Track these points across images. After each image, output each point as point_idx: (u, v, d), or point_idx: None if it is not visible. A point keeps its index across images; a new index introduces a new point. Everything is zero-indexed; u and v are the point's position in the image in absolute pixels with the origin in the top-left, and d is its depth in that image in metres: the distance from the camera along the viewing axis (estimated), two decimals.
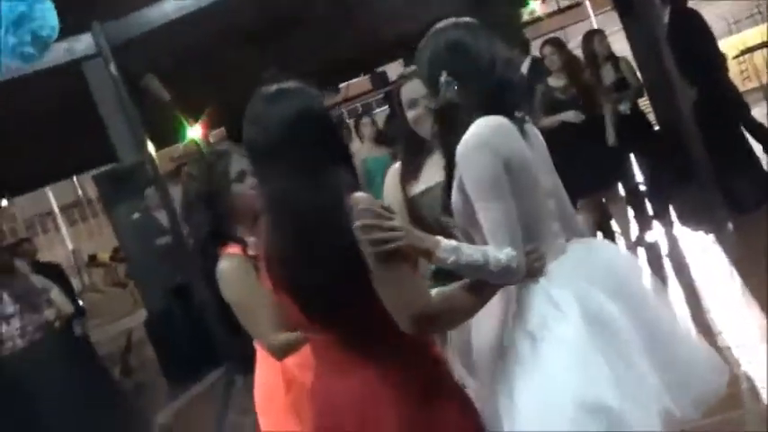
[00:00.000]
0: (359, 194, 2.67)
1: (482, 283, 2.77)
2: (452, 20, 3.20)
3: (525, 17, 12.01)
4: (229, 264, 3.53)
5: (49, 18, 4.77)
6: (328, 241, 2.61)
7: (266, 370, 3.82)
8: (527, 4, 11.44)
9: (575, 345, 2.80)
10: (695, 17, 9.62)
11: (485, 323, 3.12)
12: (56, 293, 8.59)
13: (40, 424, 7.92)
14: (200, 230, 3.73)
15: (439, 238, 2.80)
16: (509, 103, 2.99)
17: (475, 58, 2.99)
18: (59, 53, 9.00)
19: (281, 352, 3.39)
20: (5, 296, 8.16)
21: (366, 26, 12.16)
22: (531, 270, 2.92)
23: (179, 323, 10.84)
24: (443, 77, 2.96)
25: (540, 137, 3.25)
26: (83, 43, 9.27)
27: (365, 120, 10.51)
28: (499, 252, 2.72)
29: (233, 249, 3.56)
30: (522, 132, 3.01)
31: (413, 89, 3.91)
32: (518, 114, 3.02)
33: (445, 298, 2.75)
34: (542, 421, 2.77)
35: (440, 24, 3.15)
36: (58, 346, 8.36)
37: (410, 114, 3.93)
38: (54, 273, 10.94)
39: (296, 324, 3.01)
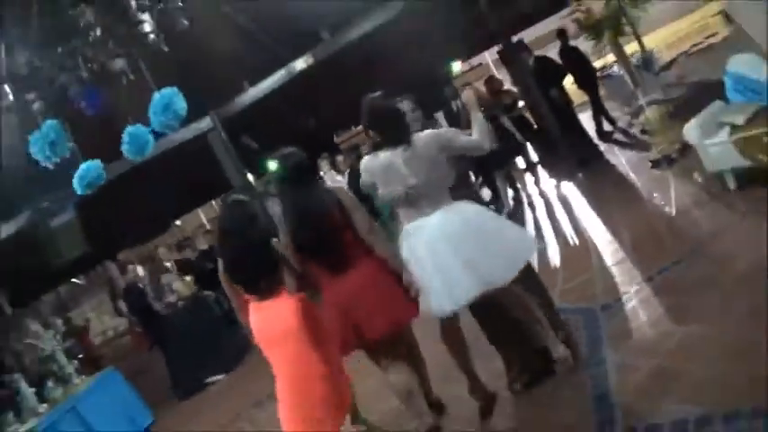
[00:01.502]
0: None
1: None
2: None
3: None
4: None
5: (181, 104, 7.04)
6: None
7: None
8: (451, 65, 15.59)
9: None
10: (547, 60, 14.68)
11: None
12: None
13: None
14: None
15: None
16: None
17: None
18: (192, 131, 14.38)
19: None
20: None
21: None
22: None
23: None
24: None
25: (420, 145, 5.52)
26: (205, 122, 14.69)
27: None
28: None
29: None
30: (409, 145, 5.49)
31: None
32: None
33: None
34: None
35: None
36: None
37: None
38: None
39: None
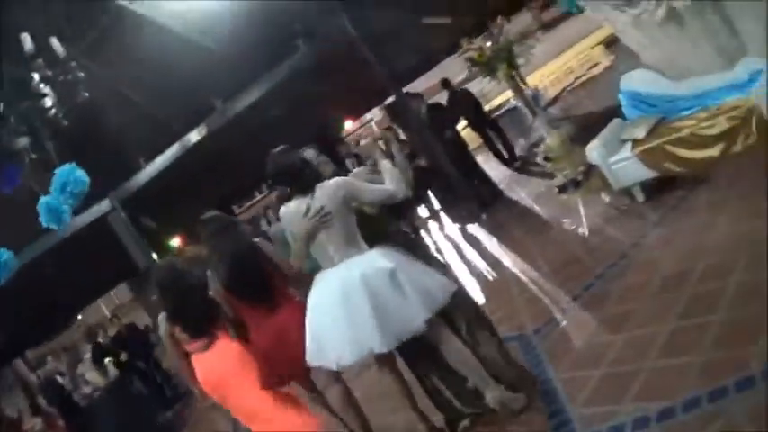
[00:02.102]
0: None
1: None
2: None
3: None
4: None
5: (81, 180, 6.84)
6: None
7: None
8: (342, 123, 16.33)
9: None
10: (439, 106, 15.09)
11: None
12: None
13: None
14: None
15: None
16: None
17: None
18: (92, 214, 14.09)
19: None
20: None
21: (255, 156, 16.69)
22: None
23: None
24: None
25: (323, 194, 5.52)
26: (105, 204, 14.34)
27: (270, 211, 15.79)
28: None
29: None
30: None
31: None
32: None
33: None
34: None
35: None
36: None
37: None
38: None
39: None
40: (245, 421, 6.55)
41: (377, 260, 5.46)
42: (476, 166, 14.56)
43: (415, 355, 5.87)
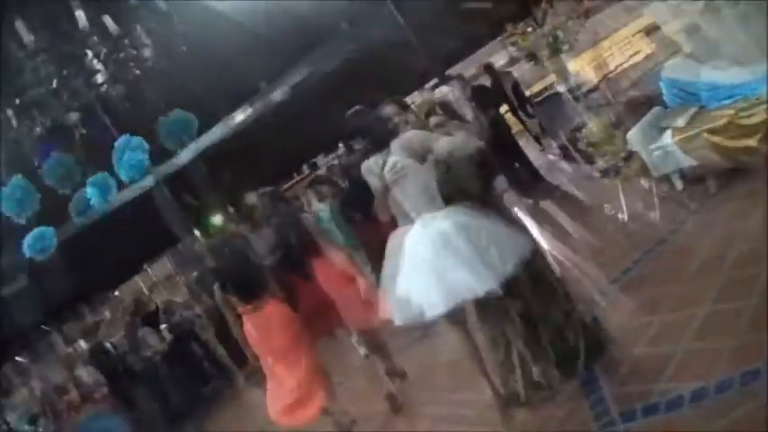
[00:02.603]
0: None
1: None
2: None
3: None
4: None
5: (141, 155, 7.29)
6: None
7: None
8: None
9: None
10: (484, 87, 14.99)
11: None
12: None
13: None
14: None
15: None
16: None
17: None
18: (135, 190, 14.18)
19: None
20: None
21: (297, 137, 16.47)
22: None
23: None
24: None
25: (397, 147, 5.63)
26: (149, 180, 14.59)
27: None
28: None
29: None
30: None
31: None
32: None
33: None
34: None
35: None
36: None
37: None
38: None
39: None
40: (276, 359, 7.49)
41: (456, 215, 5.53)
42: (518, 149, 14.58)
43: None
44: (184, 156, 14.91)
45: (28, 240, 7.04)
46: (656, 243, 7.44)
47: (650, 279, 6.75)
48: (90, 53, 7.01)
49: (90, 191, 7.12)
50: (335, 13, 13.49)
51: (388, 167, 5.59)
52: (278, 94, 14.31)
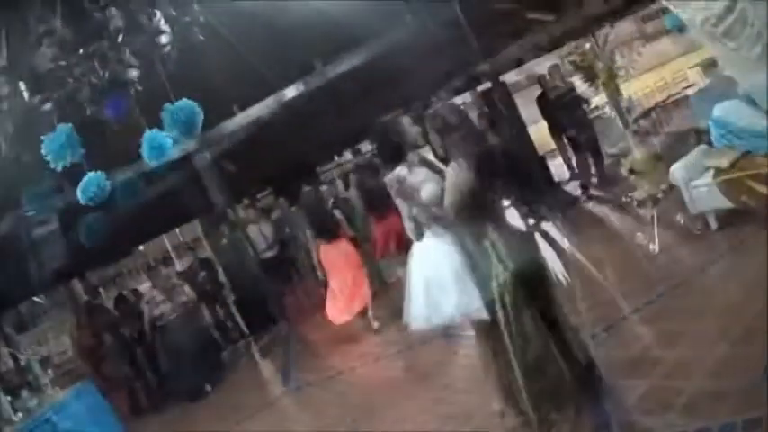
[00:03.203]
0: None
1: None
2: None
3: None
4: None
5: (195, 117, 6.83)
6: None
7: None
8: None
9: None
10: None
11: None
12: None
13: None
14: None
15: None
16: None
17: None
18: (180, 150, 13.57)
19: None
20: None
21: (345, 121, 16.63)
22: None
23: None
24: None
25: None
26: (192, 144, 14.36)
27: (351, 175, 16.31)
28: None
29: None
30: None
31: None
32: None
33: None
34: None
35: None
36: None
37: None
38: None
39: None
40: (334, 273, 12.03)
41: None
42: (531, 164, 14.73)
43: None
44: (231, 124, 15.00)
45: (81, 185, 6.85)
46: (682, 279, 7.48)
47: (671, 313, 6.82)
48: (159, 13, 7.12)
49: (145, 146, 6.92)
50: (399, 3, 13.51)
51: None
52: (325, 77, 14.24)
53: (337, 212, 12.81)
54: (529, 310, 5.49)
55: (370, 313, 11.76)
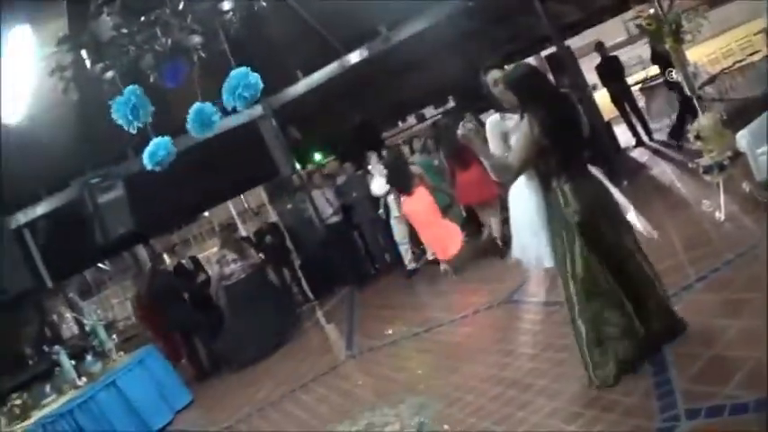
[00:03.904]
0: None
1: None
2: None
3: None
4: None
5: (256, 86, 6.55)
6: None
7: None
8: None
9: None
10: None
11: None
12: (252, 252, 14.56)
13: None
14: None
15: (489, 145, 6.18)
16: None
17: None
18: (244, 116, 14.26)
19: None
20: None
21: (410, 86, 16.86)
22: None
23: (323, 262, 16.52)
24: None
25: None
26: (257, 109, 14.69)
27: (415, 140, 16.32)
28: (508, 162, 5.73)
29: None
30: None
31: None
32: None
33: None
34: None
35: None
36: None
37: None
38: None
39: None
40: (420, 227, 13.45)
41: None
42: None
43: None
44: (296, 90, 15.12)
45: (148, 150, 6.89)
46: (748, 247, 7.31)
47: (737, 282, 6.67)
48: None
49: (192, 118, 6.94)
50: None
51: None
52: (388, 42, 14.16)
53: (415, 168, 13.78)
54: (597, 258, 5.74)
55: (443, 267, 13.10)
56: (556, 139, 5.58)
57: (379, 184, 14.36)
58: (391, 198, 14.07)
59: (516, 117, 6.27)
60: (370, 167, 14.81)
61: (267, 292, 14.51)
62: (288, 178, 16.26)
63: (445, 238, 13.06)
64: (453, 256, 12.97)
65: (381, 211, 14.54)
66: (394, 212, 14.14)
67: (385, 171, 14.11)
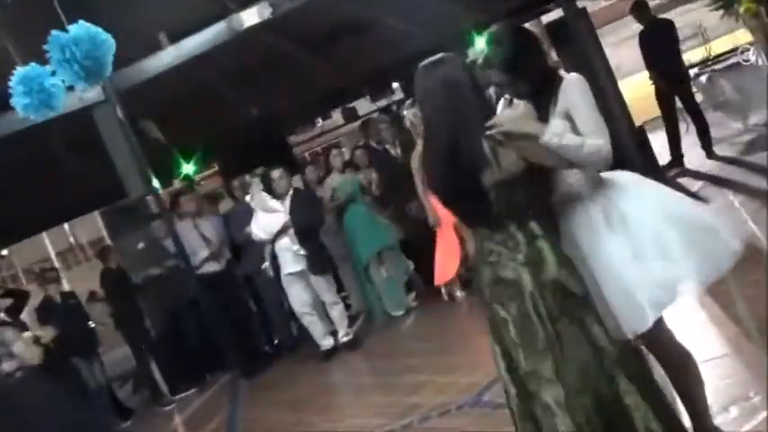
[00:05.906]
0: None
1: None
2: None
3: None
4: None
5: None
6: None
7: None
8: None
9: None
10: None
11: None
12: (19, 346, 9.03)
13: None
14: None
15: (545, 126, 3.99)
16: None
17: None
18: (73, 101, 9.54)
19: None
20: None
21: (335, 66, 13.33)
22: None
23: (189, 335, 12.29)
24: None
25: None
26: (93, 91, 9.85)
27: (335, 151, 12.41)
28: (595, 141, 3.84)
29: None
30: None
31: None
32: None
33: None
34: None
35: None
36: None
37: None
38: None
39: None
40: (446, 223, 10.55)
41: None
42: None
43: None
44: (153, 63, 10.74)
45: None
46: None
47: None
48: None
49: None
50: None
51: None
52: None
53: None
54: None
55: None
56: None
57: (264, 223, 10.44)
58: (285, 243, 10.17)
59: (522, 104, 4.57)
60: (248, 197, 11.32)
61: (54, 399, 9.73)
62: (140, 201, 12.02)
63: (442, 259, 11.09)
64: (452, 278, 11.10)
65: (267, 264, 10.82)
66: (288, 267, 10.24)
67: (277, 202, 10.53)
